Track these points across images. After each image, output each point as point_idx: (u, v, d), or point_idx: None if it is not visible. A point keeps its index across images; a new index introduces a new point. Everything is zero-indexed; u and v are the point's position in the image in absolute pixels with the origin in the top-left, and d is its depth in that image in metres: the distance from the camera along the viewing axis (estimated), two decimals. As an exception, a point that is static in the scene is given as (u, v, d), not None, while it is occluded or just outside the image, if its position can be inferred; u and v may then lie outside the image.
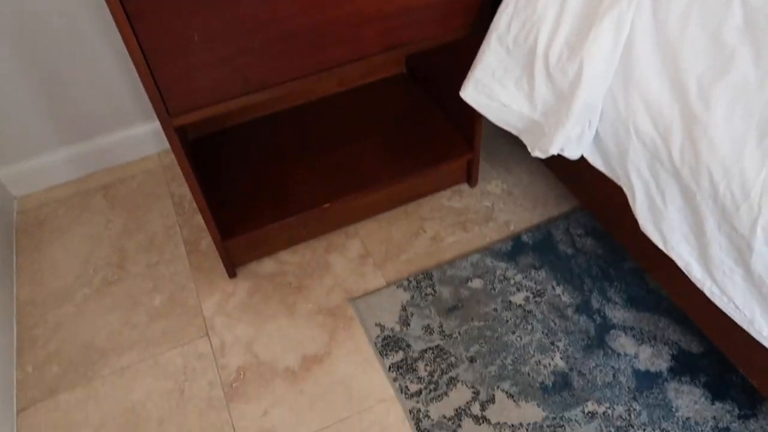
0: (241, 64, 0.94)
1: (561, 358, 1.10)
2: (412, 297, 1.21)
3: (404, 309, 1.20)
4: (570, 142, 0.93)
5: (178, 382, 1.13)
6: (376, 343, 1.15)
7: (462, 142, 1.35)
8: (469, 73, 1.01)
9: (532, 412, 1.04)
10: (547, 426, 1.02)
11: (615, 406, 1.03)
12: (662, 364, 1.08)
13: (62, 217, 1.44)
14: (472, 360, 1.11)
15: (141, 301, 1.26)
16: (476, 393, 1.07)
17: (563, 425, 1.02)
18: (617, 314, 1.16)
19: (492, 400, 1.06)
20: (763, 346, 0.82)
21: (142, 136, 1.52)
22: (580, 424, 1.02)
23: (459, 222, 1.36)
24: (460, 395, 1.07)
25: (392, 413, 1.06)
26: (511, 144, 1.52)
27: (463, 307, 1.19)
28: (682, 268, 0.88)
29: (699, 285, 0.86)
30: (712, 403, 1.03)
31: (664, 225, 0.86)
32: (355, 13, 0.96)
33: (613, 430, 1.01)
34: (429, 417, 1.04)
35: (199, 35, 0.87)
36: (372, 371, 1.12)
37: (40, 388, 1.13)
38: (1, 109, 1.34)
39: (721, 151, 0.74)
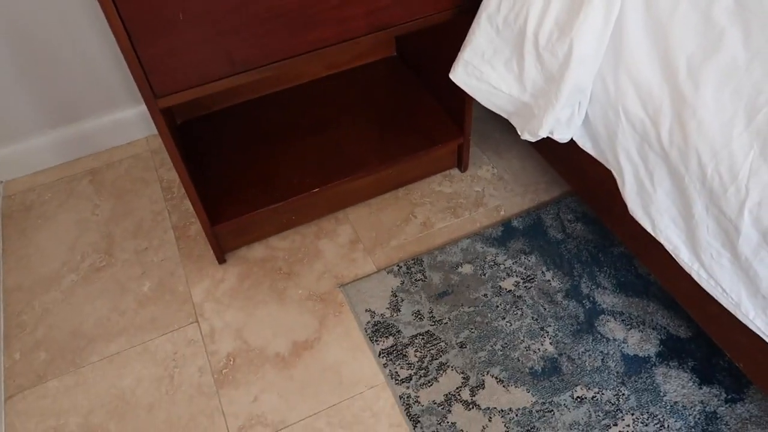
0: (226, 43, 0.93)
1: (550, 344, 1.10)
2: (403, 283, 1.21)
3: (394, 295, 1.19)
4: (560, 125, 0.92)
5: (168, 369, 1.12)
6: (366, 329, 1.15)
7: (452, 127, 1.34)
8: (459, 54, 1.00)
9: (521, 397, 1.04)
10: (536, 411, 1.02)
11: (604, 391, 1.04)
12: (650, 349, 1.09)
13: (49, 202, 1.42)
14: (461, 345, 1.11)
15: (129, 287, 1.25)
16: (466, 378, 1.07)
17: (552, 410, 1.02)
18: (606, 299, 1.16)
19: (482, 385, 1.06)
20: (749, 330, 0.82)
21: (129, 120, 1.50)
22: (569, 409, 1.02)
23: (449, 207, 1.35)
24: (449, 381, 1.07)
25: (382, 399, 1.06)
26: (501, 128, 1.51)
27: (453, 292, 1.19)
28: (671, 252, 0.88)
29: (687, 269, 0.86)
30: (700, 387, 1.03)
31: (653, 208, 0.86)
32: (342, -8, 0.94)
33: (601, 414, 1.01)
34: (419, 403, 1.04)
35: (183, 14, 0.85)
36: (362, 357, 1.11)
37: (28, 376, 1.13)
38: (-16, 93, 1.32)
39: (709, 133, 0.73)
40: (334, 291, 1.22)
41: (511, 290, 1.19)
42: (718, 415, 1.00)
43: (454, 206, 1.35)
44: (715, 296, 0.84)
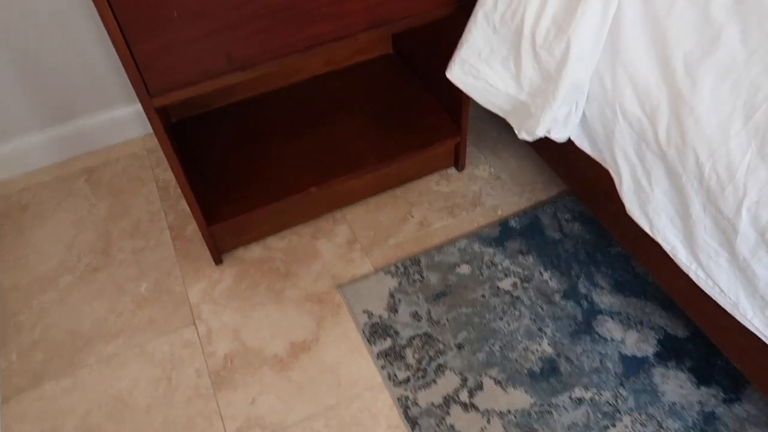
0: (223, 40, 0.92)
1: (549, 344, 1.10)
2: (400, 283, 1.21)
3: (392, 295, 1.19)
4: (557, 124, 0.92)
5: (165, 370, 1.12)
6: (364, 330, 1.14)
7: (450, 125, 1.34)
8: (455, 52, 0.99)
9: (519, 398, 1.04)
10: (535, 412, 1.02)
11: (602, 392, 1.03)
12: (648, 349, 1.08)
13: (45, 201, 1.42)
14: (460, 347, 1.11)
15: (126, 288, 1.25)
16: (464, 380, 1.06)
17: (551, 411, 1.02)
18: (604, 299, 1.16)
19: (480, 386, 1.05)
20: (747, 330, 0.82)
21: (125, 119, 1.49)
22: (567, 410, 1.02)
23: (447, 207, 1.35)
24: (448, 382, 1.06)
25: (380, 401, 1.05)
26: (498, 128, 1.51)
27: (450, 293, 1.18)
28: (668, 252, 0.87)
29: (685, 269, 0.86)
30: (698, 388, 1.03)
31: (650, 208, 0.86)
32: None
33: (600, 415, 1.01)
34: (417, 404, 1.04)
35: (178, 11, 0.85)
36: (360, 358, 1.11)
37: (25, 377, 1.12)
38: (-22, 92, 1.31)
39: (707, 131, 0.73)
40: (331, 292, 1.21)
41: (508, 291, 1.18)
42: (717, 416, 0.99)
43: (452, 206, 1.35)
44: (712, 296, 0.84)
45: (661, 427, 0.99)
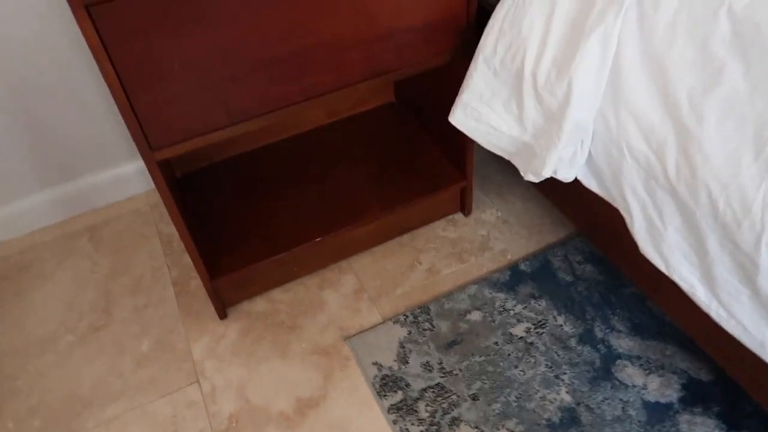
0: (222, 92, 0.92)
1: (567, 392, 1.05)
2: (410, 332, 1.17)
3: (402, 346, 1.15)
4: (563, 164, 0.91)
5: (167, 432, 1.07)
6: (374, 384, 1.10)
7: (454, 170, 1.33)
8: (457, 97, 1.00)
9: (539, 450, 0.98)
10: (556, 465, 0.96)
11: (626, 441, 0.98)
12: (672, 395, 1.03)
13: (46, 261, 1.40)
14: (474, 398, 1.06)
15: (128, 346, 1.21)
16: (480, 432, 1.01)
17: (573, 463, 0.96)
18: (622, 343, 1.11)
19: (497, 439, 1.00)
20: (778, 371, 0.78)
21: (128, 176, 1.50)
22: (590, 462, 0.96)
23: (455, 252, 1.33)
24: (463, 435, 1.01)
25: (392, 457, 1.00)
26: (503, 170, 1.50)
27: (462, 341, 1.15)
28: (686, 292, 0.84)
29: (705, 308, 0.83)
30: (729, 434, 0.97)
31: (665, 246, 0.83)
32: (337, 39, 0.95)
33: (626, 466, 0.95)
34: (431, 460, 0.99)
35: (178, 63, 0.85)
36: (370, 413, 1.06)
37: (20, 444, 1.08)
38: (-21, 152, 1.31)
39: (717, 166, 0.71)
40: (339, 344, 1.18)
41: (522, 337, 1.14)
42: (751, 464, 0.94)
43: (460, 251, 1.33)
44: (736, 336, 0.80)
45: (692, 478, 0.93)
